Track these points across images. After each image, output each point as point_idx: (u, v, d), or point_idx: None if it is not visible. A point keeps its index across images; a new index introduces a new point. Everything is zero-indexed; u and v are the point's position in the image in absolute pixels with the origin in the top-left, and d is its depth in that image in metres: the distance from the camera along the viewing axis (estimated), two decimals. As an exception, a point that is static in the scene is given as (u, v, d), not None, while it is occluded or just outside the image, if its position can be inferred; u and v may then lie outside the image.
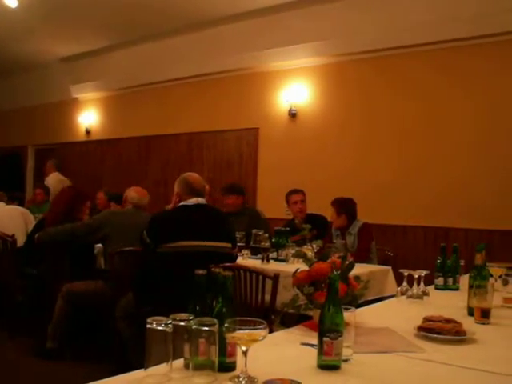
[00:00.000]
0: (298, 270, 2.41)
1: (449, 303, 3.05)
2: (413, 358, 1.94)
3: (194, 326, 1.58)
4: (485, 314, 2.51)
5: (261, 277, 3.81)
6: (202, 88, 8.90)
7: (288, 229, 5.12)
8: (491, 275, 3.14)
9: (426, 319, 2.31)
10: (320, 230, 5.06)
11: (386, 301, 3.43)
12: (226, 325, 1.55)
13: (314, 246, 3.64)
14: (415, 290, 3.10)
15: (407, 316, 2.60)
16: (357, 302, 2.30)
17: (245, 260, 4.85)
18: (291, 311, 2.40)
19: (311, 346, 1.92)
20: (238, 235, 4.82)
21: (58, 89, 10.94)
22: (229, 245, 3.92)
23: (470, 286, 2.71)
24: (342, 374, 1.73)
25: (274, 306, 3.67)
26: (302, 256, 2.51)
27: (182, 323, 1.63)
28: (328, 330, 1.72)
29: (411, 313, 2.70)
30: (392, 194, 6.89)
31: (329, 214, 5.58)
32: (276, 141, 8.07)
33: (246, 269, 3.93)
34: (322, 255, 2.40)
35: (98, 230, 4.81)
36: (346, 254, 2.59)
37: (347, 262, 2.33)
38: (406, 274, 3.15)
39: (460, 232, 6.29)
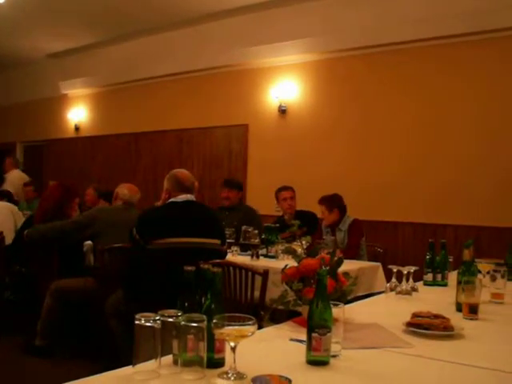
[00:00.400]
0: (286, 266, 2.42)
1: (437, 299, 3.06)
2: (401, 354, 1.95)
3: (183, 322, 1.58)
4: (473, 310, 2.52)
5: (250, 273, 3.81)
6: (191, 84, 8.89)
7: (278, 225, 5.12)
8: (479, 271, 3.15)
9: (414, 315, 2.32)
10: (310, 227, 5.07)
11: (375, 297, 3.44)
12: (214, 321, 1.55)
13: (304, 242, 3.64)
14: (404, 286, 3.11)
15: (396, 312, 2.61)
16: (346, 298, 2.31)
17: (234, 256, 4.86)
18: (280, 307, 2.40)
19: (300, 341, 1.93)
20: (227, 232, 4.83)
21: (47, 85, 10.90)
22: (218, 241, 3.92)
23: (459, 282, 2.72)
24: (330, 370, 1.73)
25: (264, 303, 3.67)
26: (291, 252, 2.51)
27: (171, 319, 1.63)
28: (317, 326, 1.73)
29: (400, 308, 2.70)
30: (382, 191, 6.91)
31: (318, 211, 5.59)
32: (266, 137, 8.07)
33: (235, 265, 3.93)
34: (310, 251, 2.40)
35: (87, 226, 4.79)
36: (335, 250, 2.58)
37: (336, 258, 2.33)
38: (395, 270, 3.16)
39: (449, 228, 6.33)
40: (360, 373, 1.75)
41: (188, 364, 1.59)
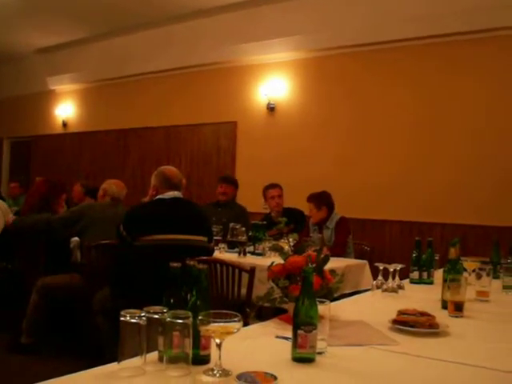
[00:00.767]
0: (273, 263, 2.42)
1: (423, 297, 3.08)
2: (387, 351, 1.95)
3: (168, 319, 1.58)
4: (458, 308, 2.53)
5: (237, 270, 3.81)
6: (180, 81, 8.87)
7: (265, 223, 5.13)
8: (465, 269, 3.17)
9: (400, 312, 2.33)
10: (297, 224, 5.09)
11: (362, 294, 3.45)
12: (200, 317, 1.55)
13: (291, 239, 3.64)
14: (390, 283, 3.12)
15: (382, 309, 2.61)
16: (332, 296, 2.31)
17: (222, 254, 4.86)
18: (266, 304, 2.40)
19: (286, 339, 1.93)
20: (215, 229, 4.83)
21: (35, 80, 10.84)
22: (205, 238, 3.91)
23: (444, 280, 2.74)
24: (316, 367, 1.74)
25: (250, 300, 3.67)
26: (278, 250, 2.51)
27: (156, 316, 1.62)
28: (302, 323, 1.73)
29: (386, 306, 2.71)
30: (370, 190, 6.93)
31: (306, 208, 5.60)
32: (254, 135, 8.08)
33: (222, 262, 3.93)
34: (297, 248, 2.41)
35: (75, 223, 4.77)
36: (321, 247, 2.59)
37: (322, 256, 2.33)
38: (381, 267, 3.17)
39: (436, 227, 6.36)
40: (345, 370, 1.75)
41: (173, 361, 1.58)
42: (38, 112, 11.09)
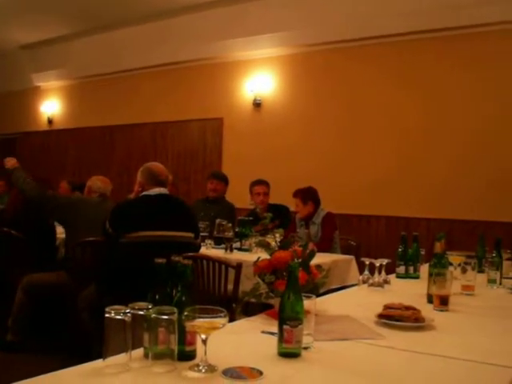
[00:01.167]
0: (259, 258, 2.42)
1: (409, 291, 3.09)
2: (372, 345, 1.96)
3: (153, 315, 1.57)
4: (443, 302, 2.55)
5: (223, 266, 3.81)
6: (166, 78, 8.84)
7: (251, 218, 5.12)
8: (451, 263, 3.18)
9: (386, 307, 2.34)
10: (282, 220, 5.09)
11: (348, 289, 3.46)
12: (185, 313, 1.54)
13: (277, 235, 3.64)
14: (376, 278, 3.13)
15: (368, 304, 2.62)
16: (318, 291, 2.31)
17: (208, 250, 4.85)
18: (253, 300, 2.40)
19: (272, 334, 1.93)
20: (202, 225, 4.82)
21: (19, 77, 10.75)
22: (191, 235, 3.91)
23: (430, 274, 2.75)
24: (302, 362, 1.74)
25: (237, 296, 3.68)
26: (264, 245, 2.51)
27: (141, 312, 1.62)
28: (288, 318, 1.73)
29: (372, 301, 2.72)
30: (356, 185, 6.95)
31: (292, 205, 5.60)
32: (240, 131, 8.07)
33: (208, 258, 3.93)
34: (283, 244, 2.41)
35: (68, 208, 4.74)
36: (307, 242, 2.59)
37: (308, 251, 2.33)
38: (367, 262, 3.18)
39: (422, 222, 6.39)
40: (331, 364, 1.76)
41: (159, 357, 1.58)
42: (24, 109, 11.00)
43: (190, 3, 8.00)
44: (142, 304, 1.65)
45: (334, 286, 4.29)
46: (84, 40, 9.59)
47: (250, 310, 3.48)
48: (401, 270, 3.66)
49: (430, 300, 2.70)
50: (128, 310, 1.59)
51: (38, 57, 10.43)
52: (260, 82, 7.86)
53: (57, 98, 10.61)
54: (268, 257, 2.39)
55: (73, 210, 4.72)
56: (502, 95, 6.17)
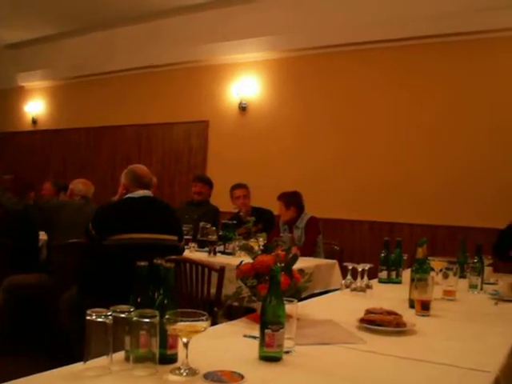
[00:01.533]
0: (242, 262, 2.42)
1: (391, 296, 3.11)
2: (354, 349, 1.97)
3: (135, 318, 1.57)
4: (425, 307, 2.57)
5: (206, 269, 3.80)
6: (152, 80, 8.82)
7: (235, 222, 5.13)
8: (432, 269, 3.20)
9: (368, 311, 2.36)
10: (266, 224, 5.10)
11: (331, 294, 3.48)
12: (167, 316, 1.54)
13: (261, 239, 3.66)
14: (359, 283, 3.15)
15: (350, 308, 2.63)
16: (300, 295, 2.32)
17: (192, 253, 4.84)
18: (235, 304, 2.41)
19: (254, 338, 1.93)
20: (185, 228, 4.81)
21: (4, 77, 10.64)
22: (175, 237, 3.91)
23: (412, 280, 2.77)
24: (283, 366, 1.74)
25: (220, 299, 3.67)
26: (247, 249, 2.51)
27: (123, 315, 1.61)
28: (270, 322, 1.73)
29: (354, 305, 2.73)
30: (341, 190, 6.98)
31: (276, 208, 5.61)
32: (226, 134, 8.07)
33: (191, 261, 3.92)
34: (266, 248, 2.41)
35: (49, 211, 4.73)
36: (290, 247, 2.60)
37: (291, 255, 2.34)
38: (350, 267, 3.20)
39: (405, 227, 6.43)
40: (313, 368, 1.76)
41: (140, 360, 1.57)
42: (7, 109, 10.91)
43: (176, 6, 7.99)
44: (124, 307, 1.64)
45: (317, 291, 4.31)
46: (69, 41, 9.54)
47: (232, 314, 3.48)
48: (383, 274, 3.68)
49: (411, 305, 2.72)
50: (109, 313, 1.58)
51: (22, 57, 10.35)
52: (246, 85, 7.87)
53: (41, 98, 10.54)
54: (251, 261, 2.40)
55: (54, 214, 4.72)
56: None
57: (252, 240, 4.01)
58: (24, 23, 9.16)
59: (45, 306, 4.49)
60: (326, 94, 7.26)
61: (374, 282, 3.51)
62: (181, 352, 1.62)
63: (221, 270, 3.69)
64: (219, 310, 3.35)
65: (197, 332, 1.56)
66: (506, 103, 6.13)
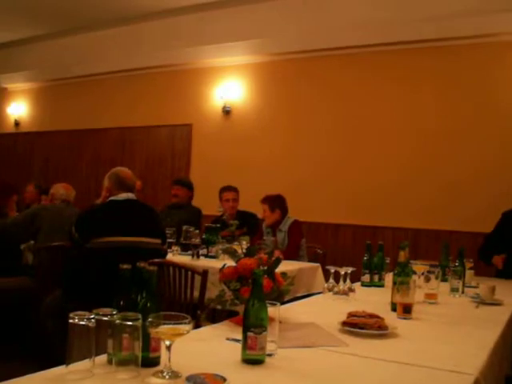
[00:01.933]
0: (224, 265, 2.42)
1: (373, 299, 3.13)
2: (336, 352, 1.98)
3: (118, 321, 1.57)
4: (407, 310, 2.59)
5: (190, 273, 3.80)
6: (136, 83, 8.80)
7: (219, 225, 5.13)
8: (414, 272, 3.23)
9: (350, 314, 2.37)
10: (250, 227, 5.11)
11: (313, 297, 3.49)
12: (149, 319, 1.54)
13: (244, 242, 3.66)
14: (341, 286, 3.16)
15: (333, 312, 2.65)
16: (283, 298, 2.33)
17: (175, 256, 4.84)
18: (218, 307, 2.41)
19: (236, 341, 1.94)
20: (168, 231, 4.80)
21: (-14, 78, 10.59)
22: (158, 241, 3.90)
23: (394, 283, 2.79)
24: (265, 369, 1.75)
25: (203, 302, 3.67)
26: (230, 252, 2.52)
27: (105, 318, 1.61)
28: (252, 325, 1.74)
29: (337, 308, 2.75)
30: (324, 194, 7.00)
31: (260, 212, 5.62)
32: (209, 137, 8.07)
33: (174, 265, 3.91)
34: (248, 251, 2.42)
35: (30, 224, 4.71)
36: (273, 250, 2.61)
37: (274, 258, 2.35)
38: (332, 270, 3.22)
39: (388, 230, 6.46)
40: (295, 371, 1.77)
41: (123, 363, 1.57)
42: (-11, 111, 10.85)
43: (160, 9, 7.97)
44: (107, 310, 1.64)
45: (299, 294, 4.32)
46: (53, 43, 9.47)
47: (215, 317, 3.48)
48: (366, 278, 3.70)
49: (393, 308, 2.74)
50: (92, 316, 1.58)
51: (5, 58, 10.27)
52: (230, 89, 7.88)
53: (24, 100, 10.47)
54: (234, 264, 2.40)
55: (36, 220, 4.71)
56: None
57: (235, 243, 4.02)
58: (7, 24, 9.08)
59: (27, 310, 4.46)
60: (311, 97, 7.29)
61: (357, 285, 3.53)
62: (163, 355, 1.62)
63: (204, 274, 3.69)
64: (202, 313, 3.35)
65: (180, 335, 1.56)
66: (502, 109, 6.19)
